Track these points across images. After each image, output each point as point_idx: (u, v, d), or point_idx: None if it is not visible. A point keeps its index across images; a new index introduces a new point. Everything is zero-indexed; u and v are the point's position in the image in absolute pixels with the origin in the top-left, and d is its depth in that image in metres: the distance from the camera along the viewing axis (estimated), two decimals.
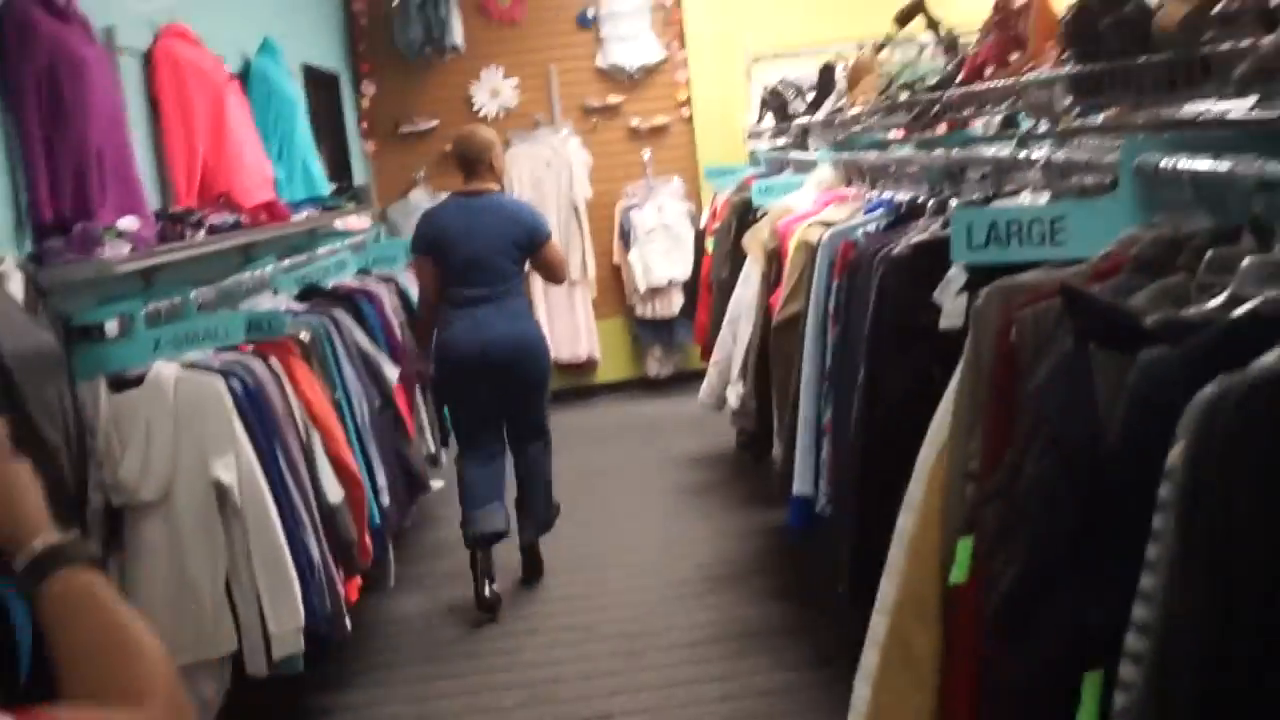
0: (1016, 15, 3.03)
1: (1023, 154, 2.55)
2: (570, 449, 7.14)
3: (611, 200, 8.38)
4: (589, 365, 8.41)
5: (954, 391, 2.09)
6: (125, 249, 3.53)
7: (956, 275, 2.31)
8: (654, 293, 8.22)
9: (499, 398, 4.86)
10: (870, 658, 2.20)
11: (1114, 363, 1.55)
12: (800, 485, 3.57)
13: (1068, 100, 2.37)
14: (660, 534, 5.53)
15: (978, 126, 4.92)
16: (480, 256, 4.77)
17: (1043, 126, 2.80)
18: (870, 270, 2.99)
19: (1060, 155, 2.39)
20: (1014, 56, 2.97)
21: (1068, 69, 2.41)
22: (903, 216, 3.33)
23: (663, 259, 8.11)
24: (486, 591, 4.75)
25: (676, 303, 8.19)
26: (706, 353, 6.13)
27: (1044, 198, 2.44)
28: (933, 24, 3.89)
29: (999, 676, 1.71)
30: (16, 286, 3.11)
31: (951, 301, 2.30)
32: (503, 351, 4.76)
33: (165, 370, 3.35)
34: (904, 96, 3.70)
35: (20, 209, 3.59)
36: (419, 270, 4.99)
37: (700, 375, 7.70)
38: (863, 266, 3.13)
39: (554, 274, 5.09)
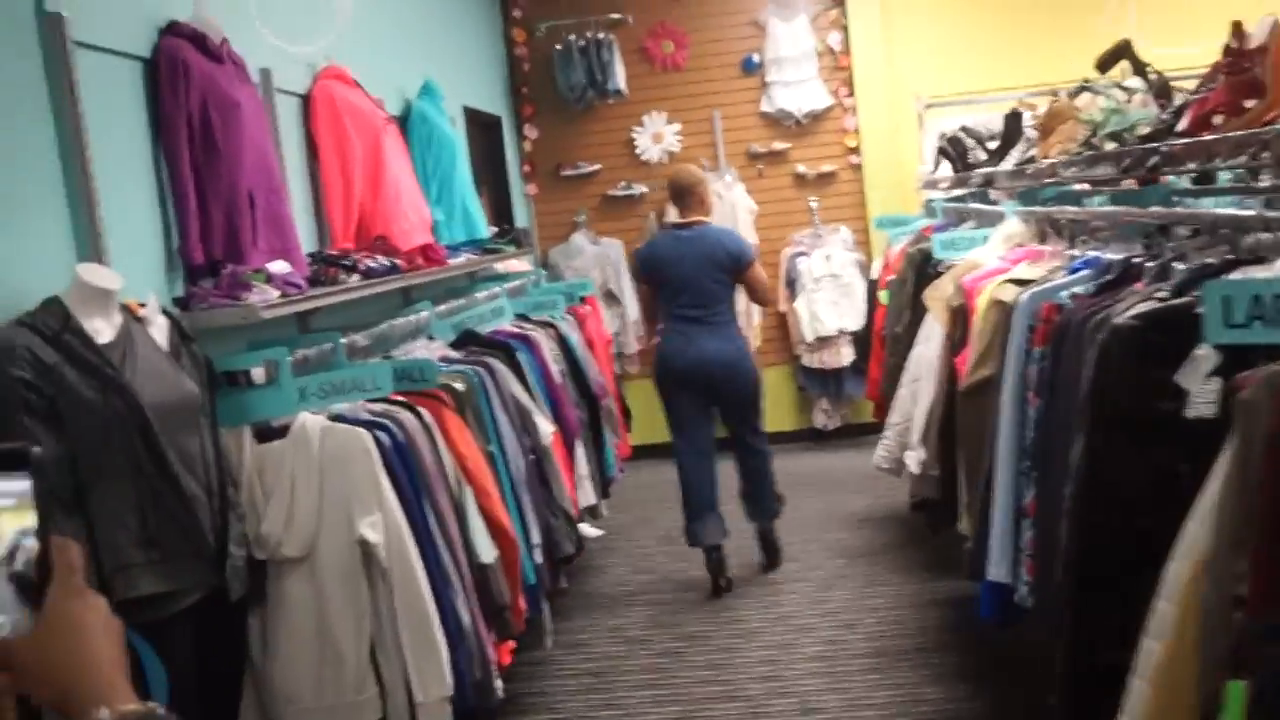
0: (1251, 57, 2.64)
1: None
2: (731, 499, 6.84)
3: (777, 248, 8.10)
4: None
5: (1215, 496, 1.73)
6: (273, 294, 3.37)
7: (1207, 355, 1.94)
8: (821, 342, 7.88)
9: (707, 406, 5.44)
10: None
11: None
12: (996, 570, 3.19)
13: None
14: (828, 599, 5.18)
15: (1174, 179, 4.52)
16: (691, 280, 5.33)
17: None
18: (1083, 339, 2.63)
19: None
20: (1250, 103, 2.58)
21: None
22: (1116, 279, 2.94)
23: (830, 308, 7.78)
24: (723, 581, 5.44)
25: (845, 354, 7.84)
26: (879, 408, 5.78)
27: None
28: (1140, 69, 3.50)
29: None
30: (160, 331, 2.96)
31: (1200, 386, 1.93)
32: (710, 367, 5.32)
33: (311, 421, 3.15)
34: (1110, 146, 3.31)
35: (171, 251, 3.47)
36: (639, 293, 5.87)
37: (869, 429, 7.42)
38: (1072, 333, 2.77)
39: (759, 295, 5.63)
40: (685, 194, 5.53)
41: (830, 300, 7.79)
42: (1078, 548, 2.39)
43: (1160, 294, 2.45)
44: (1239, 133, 2.35)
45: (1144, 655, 1.83)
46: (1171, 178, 4.47)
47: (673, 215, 5.83)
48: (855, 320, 7.67)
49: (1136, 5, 7.48)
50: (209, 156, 3.55)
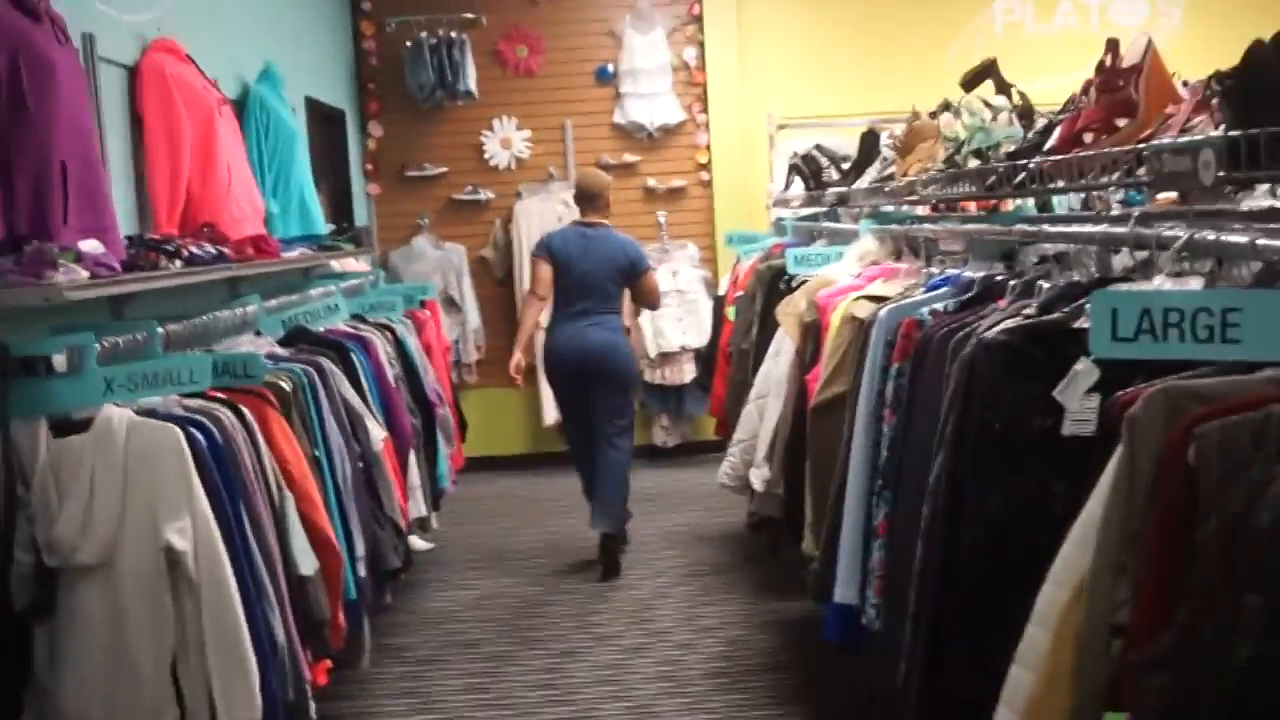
0: (1125, 75, 2.59)
1: (1159, 231, 2.09)
2: (567, 513, 6.70)
3: None
4: None
5: (1094, 519, 1.62)
6: (82, 274, 3.06)
7: (1086, 370, 1.85)
8: (664, 358, 7.77)
9: (589, 396, 5.70)
10: None
11: None
12: (844, 592, 3.08)
13: (1217, 172, 1.91)
14: (664, 617, 5.03)
15: (1021, 205, 4.54)
16: (589, 276, 5.68)
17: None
18: (944, 355, 2.54)
19: (1212, 235, 1.93)
20: (1123, 122, 2.53)
21: (1218, 132, 1.97)
22: (977, 296, 2.87)
23: (675, 324, 7.69)
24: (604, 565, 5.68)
25: (688, 371, 7.74)
26: (722, 426, 5.71)
27: (1194, 283, 1.97)
28: (1005, 88, 3.46)
29: None
30: None
31: (1079, 402, 1.83)
32: (592, 356, 5.64)
33: (117, 415, 2.84)
34: (974, 164, 3.25)
35: None
36: (536, 267, 5.81)
37: (708, 447, 7.37)
38: (933, 350, 2.68)
39: (649, 300, 5.96)
40: (594, 198, 5.87)
41: (675, 316, 7.69)
42: (936, 570, 2.28)
43: (1027, 310, 2.37)
44: (1114, 149, 2.28)
45: (1012, 684, 1.72)
46: (1018, 203, 4.51)
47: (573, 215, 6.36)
48: (699, 337, 7.57)
49: (988, 39, 7.64)
50: (16, 119, 3.21)
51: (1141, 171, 2.20)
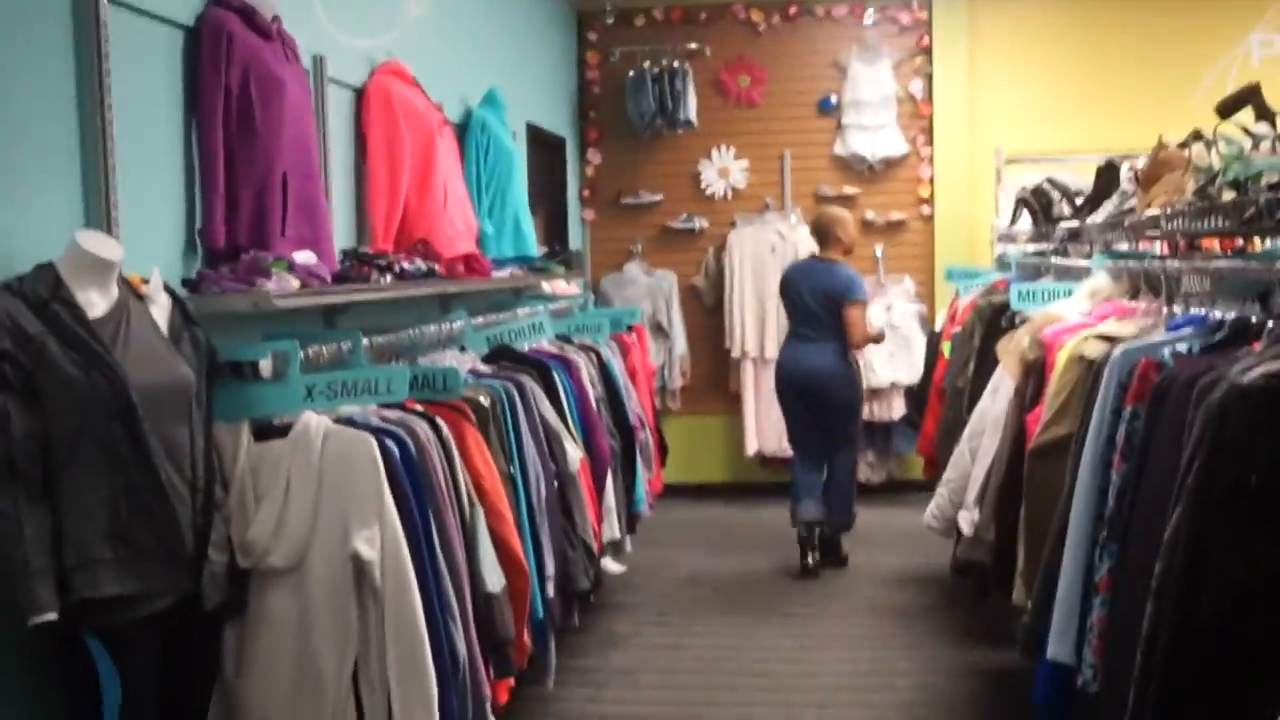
0: None
1: None
2: (764, 547, 6.51)
3: None
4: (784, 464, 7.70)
5: None
6: (293, 283, 3.07)
7: None
8: (874, 394, 7.48)
9: (813, 413, 6.14)
10: None
11: None
12: (1057, 649, 2.79)
13: None
14: (859, 660, 4.78)
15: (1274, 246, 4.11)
16: (806, 304, 6.10)
17: None
18: (1188, 401, 2.25)
19: None
20: None
21: None
22: (1228, 338, 2.56)
23: (886, 360, 7.40)
24: (810, 561, 6.08)
25: (897, 408, 7.45)
26: (930, 465, 5.44)
27: None
28: (1268, 115, 3.11)
29: None
30: (161, 311, 2.67)
31: None
32: (811, 379, 6.06)
33: (315, 422, 2.82)
34: (1229, 196, 2.92)
35: (194, 233, 3.19)
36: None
37: (914, 486, 7.06)
38: (1175, 394, 2.40)
39: (850, 332, 6.03)
40: (823, 234, 6.25)
41: (887, 352, 7.39)
42: (1170, 634, 2.00)
43: None
44: None
45: None
46: (1270, 244, 4.09)
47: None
48: (910, 374, 7.27)
49: (1243, 74, 7.09)
50: (244, 136, 3.28)
51: None
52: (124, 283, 2.62)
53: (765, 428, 7.65)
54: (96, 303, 2.50)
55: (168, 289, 2.74)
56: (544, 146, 7.12)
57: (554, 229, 7.27)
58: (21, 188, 2.53)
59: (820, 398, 6.09)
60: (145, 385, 2.45)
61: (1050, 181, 5.28)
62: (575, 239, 7.70)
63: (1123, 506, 2.63)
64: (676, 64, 7.66)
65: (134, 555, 2.44)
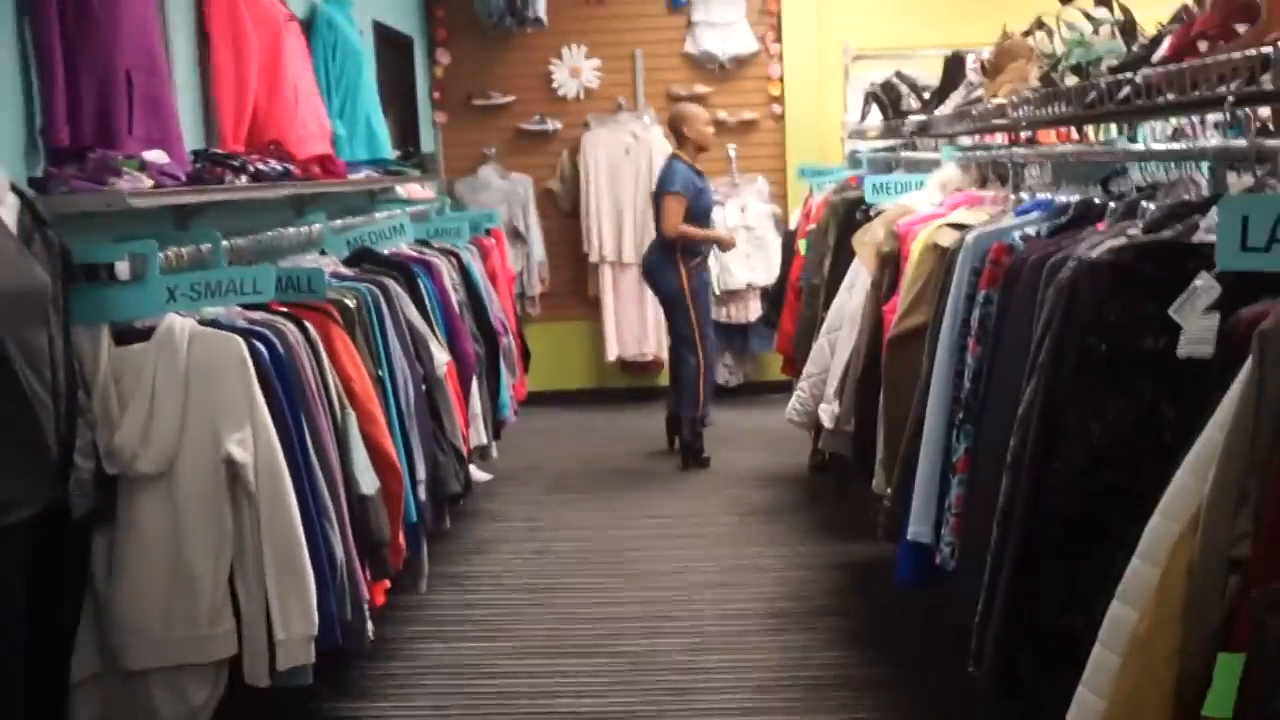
0: None
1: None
2: (628, 453, 6.64)
3: None
4: (654, 366, 7.82)
5: (1214, 445, 1.49)
6: (146, 183, 3.00)
7: (1206, 286, 1.71)
8: (730, 296, 7.63)
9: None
10: None
11: None
12: (917, 529, 2.96)
13: None
14: (723, 557, 4.94)
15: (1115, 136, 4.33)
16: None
17: None
18: (1039, 281, 2.40)
19: None
20: (1242, 27, 2.35)
21: None
22: (1074, 220, 2.72)
23: (742, 262, 7.52)
24: (672, 445, 6.63)
25: (753, 309, 7.60)
26: (789, 364, 5.58)
27: None
28: (1106, 0, 3.26)
29: None
30: (9, 212, 2.58)
31: (1197, 321, 1.70)
32: (644, 271, 6.53)
33: (179, 324, 2.79)
34: (1072, 81, 3.07)
35: (34, 132, 3.08)
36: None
37: (773, 387, 7.25)
38: (1026, 276, 2.54)
39: (657, 223, 6.29)
40: (672, 131, 6.45)
41: (742, 253, 7.52)
42: (1025, 502, 2.15)
43: (1131, 231, 2.22)
44: (1235, 55, 2.11)
45: (1113, 622, 1.60)
46: (1107, 137, 4.30)
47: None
48: (766, 275, 7.41)
49: None
50: (83, 28, 3.16)
51: (1266, 79, 2.02)
52: None
53: (625, 333, 7.73)
54: None
55: (15, 188, 2.65)
56: (392, 46, 6.98)
57: (405, 132, 7.16)
58: None
59: (653, 291, 6.52)
60: None
61: (899, 75, 5.41)
62: (427, 142, 7.60)
63: (978, 388, 2.78)
64: None
65: None
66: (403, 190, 6.00)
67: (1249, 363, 1.45)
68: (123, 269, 2.91)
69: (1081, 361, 2.01)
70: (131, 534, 2.77)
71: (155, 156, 3.21)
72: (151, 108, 3.38)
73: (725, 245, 6.49)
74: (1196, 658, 1.45)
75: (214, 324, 2.90)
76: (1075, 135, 4.21)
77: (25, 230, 2.60)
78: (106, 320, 2.80)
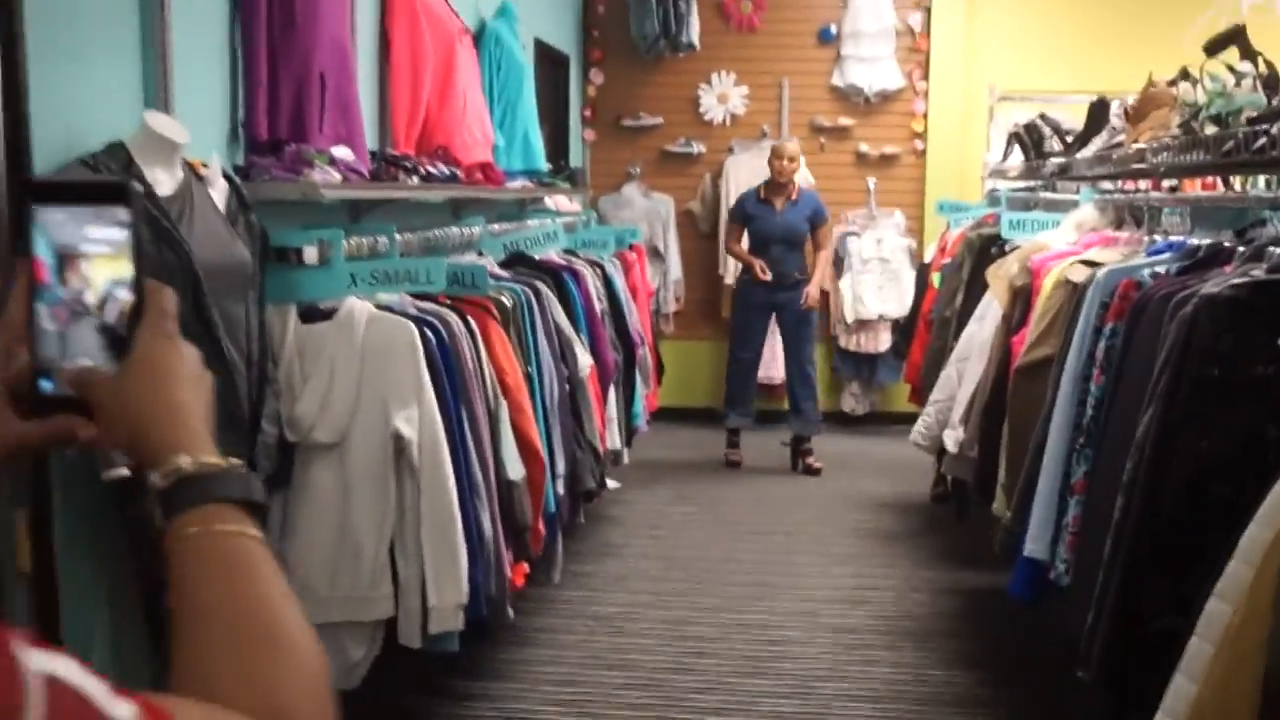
0: None
1: None
2: (755, 474, 6.84)
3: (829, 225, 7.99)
4: (780, 390, 8.01)
5: None
6: (336, 177, 3.32)
7: None
8: (861, 325, 7.81)
9: None
10: None
11: None
12: (1034, 547, 3.12)
13: None
14: (842, 576, 5.12)
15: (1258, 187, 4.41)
16: None
17: None
18: (1163, 315, 2.55)
19: None
20: None
21: None
22: (1200, 261, 2.87)
23: (875, 292, 7.70)
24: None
25: (883, 339, 7.76)
26: (916, 393, 5.74)
27: None
28: (1251, 54, 3.38)
29: None
30: (220, 194, 2.92)
31: None
32: None
33: (359, 307, 3.10)
34: (1211, 131, 3.21)
35: (236, 123, 3.42)
36: None
37: (899, 418, 7.39)
38: (1151, 310, 2.70)
39: None
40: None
41: (875, 284, 7.71)
42: (1137, 517, 2.32)
43: (1254, 272, 2.37)
44: None
45: (1209, 617, 1.77)
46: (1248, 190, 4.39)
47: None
48: (898, 307, 7.57)
49: (1232, 20, 7.33)
50: (285, 31, 3.50)
51: None
52: (186, 165, 2.86)
53: None
54: (164, 181, 2.73)
55: (225, 174, 2.99)
56: (549, 63, 7.31)
57: (556, 147, 7.48)
58: (87, 66, 2.70)
59: None
60: (208, 262, 2.69)
61: (1043, 118, 5.54)
62: (576, 157, 7.92)
63: (1099, 415, 2.94)
64: None
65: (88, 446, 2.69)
66: (551, 202, 6.31)
67: None
68: (311, 254, 3.22)
69: (1196, 387, 2.18)
70: (305, 497, 3.07)
71: (342, 153, 3.53)
72: (341, 107, 3.71)
73: (754, 271, 6.88)
74: None
75: (388, 309, 3.20)
76: (1223, 187, 4.33)
77: (232, 212, 2.93)
78: (294, 300, 3.12)
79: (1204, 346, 2.19)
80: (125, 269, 0.92)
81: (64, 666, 0.58)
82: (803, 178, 7.61)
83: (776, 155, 6.81)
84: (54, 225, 0.90)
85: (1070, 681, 2.75)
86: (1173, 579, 2.09)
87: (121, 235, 0.92)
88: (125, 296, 0.92)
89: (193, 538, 0.83)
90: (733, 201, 7.45)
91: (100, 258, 0.92)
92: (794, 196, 6.85)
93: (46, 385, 0.91)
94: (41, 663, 0.57)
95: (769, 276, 6.82)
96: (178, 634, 0.79)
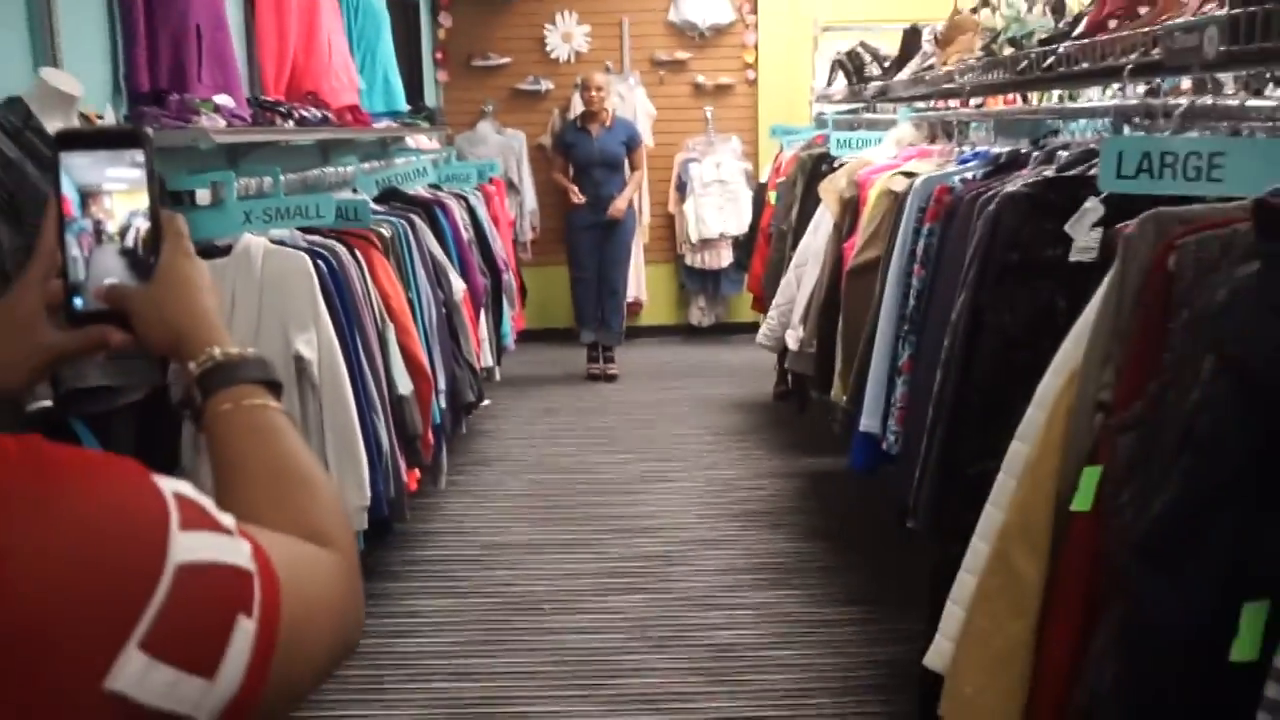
0: None
1: (1165, 100, 2.36)
2: (614, 384, 7.06)
3: (671, 152, 8.22)
4: (635, 307, 8.24)
5: (1088, 320, 1.92)
6: (221, 123, 3.38)
7: (1093, 207, 2.14)
8: (704, 244, 8.05)
9: None
10: (966, 583, 2.04)
11: None
12: (869, 422, 3.40)
13: (1218, 47, 2.16)
14: (699, 469, 5.39)
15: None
16: None
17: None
18: (972, 212, 2.82)
19: (1209, 100, 2.20)
20: (1144, 10, 2.77)
21: (1223, 9, 2.22)
22: (1002, 166, 3.14)
23: (716, 212, 7.94)
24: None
25: (725, 256, 8.03)
26: (759, 301, 5.99)
27: None
28: None
29: (1143, 606, 1.55)
30: None
31: (1085, 234, 2.12)
32: None
33: (255, 242, 3.18)
34: (1008, 52, 3.49)
35: (118, 76, 3.44)
36: None
37: (741, 328, 7.69)
38: (961, 210, 2.95)
39: None
40: None
41: (716, 205, 7.95)
42: (955, 386, 2.59)
43: (1046, 172, 2.64)
44: (1133, 32, 2.53)
45: (1011, 455, 2.03)
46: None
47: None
48: (738, 225, 7.84)
49: None
50: None
51: (1155, 51, 2.44)
52: (82, 117, 2.89)
53: None
54: None
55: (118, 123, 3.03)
56: (400, 7, 7.28)
57: (412, 88, 7.47)
58: None
59: None
60: None
61: (862, 45, 5.80)
62: (431, 98, 7.94)
63: (920, 304, 3.21)
64: None
65: (116, 351, 2.77)
66: (412, 141, 6.36)
67: (1115, 261, 1.87)
68: (203, 195, 3.29)
69: (1001, 271, 2.45)
70: None
71: (225, 100, 3.58)
72: (217, 58, 3.74)
73: (570, 195, 7.16)
74: (1072, 475, 1.87)
75: (281, 244, 3.29)
76: (1021, 101, 4.65)
77: None
78: (191, 239, 3.17)
79: (1005, 237, 2.45)
80: (141, 201, 1.04)
81: (183, 486, 0.74)
82: (644, 109, 7.81)
83: (585, 86, 7.06)
84: (77, 168, 1.02)
85: (903, 535, 3.05)
86: (985, 433, 2.36)
87: (137, 174, 1.04)
88: (142, 224, 1.05)
89: (228, 412, 0.98)
90: None
91: (120, 193, 1.04)
92: (608, 123, 7.06)
93: (78, 302, 1.03)
94: (167, 483, 0.72)
95: (582, 200, 7.06)
96: (223, 489, 0.94)
